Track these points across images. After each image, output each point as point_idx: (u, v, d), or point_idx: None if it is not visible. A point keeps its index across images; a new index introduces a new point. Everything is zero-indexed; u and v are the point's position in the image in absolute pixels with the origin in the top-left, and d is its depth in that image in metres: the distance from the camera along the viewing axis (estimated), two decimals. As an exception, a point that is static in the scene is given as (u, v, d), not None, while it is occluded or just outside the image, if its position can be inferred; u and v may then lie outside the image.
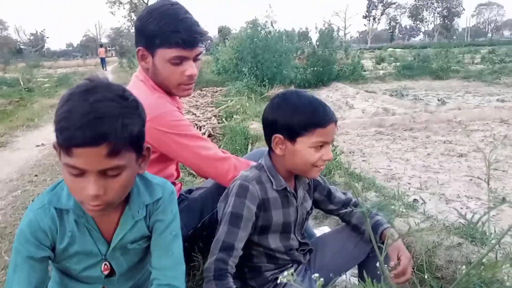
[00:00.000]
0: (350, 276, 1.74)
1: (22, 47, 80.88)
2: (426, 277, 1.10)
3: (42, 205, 1.02)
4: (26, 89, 11.61)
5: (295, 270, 1.46)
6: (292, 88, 10.57)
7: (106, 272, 1.13)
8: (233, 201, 1.31)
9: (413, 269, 1.82)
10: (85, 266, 1.11)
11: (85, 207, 0.96)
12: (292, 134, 1.29)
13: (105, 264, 1.12)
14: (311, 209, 1.54)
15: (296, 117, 1.28)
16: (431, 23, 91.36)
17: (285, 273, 0.64)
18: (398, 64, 15.45)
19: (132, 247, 1.13)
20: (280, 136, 1.31)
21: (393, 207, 0.99)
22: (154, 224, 1.13)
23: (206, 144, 1.57)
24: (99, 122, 0.84)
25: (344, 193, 1.59)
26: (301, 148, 1.29)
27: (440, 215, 2.56)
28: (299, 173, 1.38)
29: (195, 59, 1.56)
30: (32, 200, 3.13)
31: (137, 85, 1.58)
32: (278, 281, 0.66)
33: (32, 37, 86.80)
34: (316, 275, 0.65)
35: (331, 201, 1.55)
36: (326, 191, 1.55)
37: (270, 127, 1.35)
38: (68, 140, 0.85)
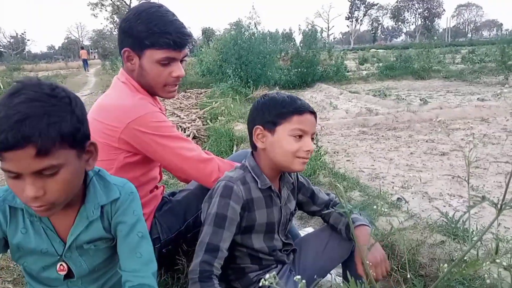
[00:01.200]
0: (335, 276, 1.75)
1: (2, 50, 79.33)
2: (409, 276, 1.11)
3: None
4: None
5: (279, 271, 1.46)
6: (276, 89, 10.63)
7: (62, 273, 1.11)
8: (218, 201, 1.30)
9: (397, 267, 1.84)
10: (42, 265, 1.10)
11: (32, 209, 0.96)
12: (271, 124, 1.32)
13: (61, 264, 1.10)
14: (295, 209, 1.55)
15: (274, 107, 1.33)
16: (412, 24, 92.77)
17: (267, 275, 0.64)
18: (380, 64, 15.63)
19: (88, 247, 1.11)
20: (260, 127, 1.34)
21: (375, 206, 0.99)
22: (117, 227, 1.11)
23: (189, 145, 1.56)
24: (21, 124, 0.83)
25: (328, 194, 1.61)
26: (281, 137, 1.31)
27: (423, 213, 2.59)
28: (283, 166, 1.37)
29: (181, 61, 1.58)
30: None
31: (118, 87, 1.57)
32: (260, 284, 0.66)
33: (12, 40, 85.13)
34: (298, 277, 0.65)
35: (314, 202, 1.56)
36: (309, 193, 1.55)
37: (252, 124, 1.38)
38: None
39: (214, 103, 7.17)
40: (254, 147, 1.41)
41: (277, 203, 1.42)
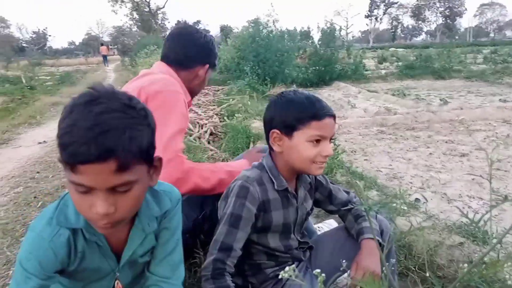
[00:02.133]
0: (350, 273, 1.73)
1: (24, 45, 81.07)
2: (428, 275, 1.09)
3: (57, 231, 0.94)
4: (28, 87, 11.61)
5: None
6: (294, 87, 10.57)
7: None
8: (233, 201, 1.30)
9: (415, 268, 1.82)
10: (91, 280, 1.07)
11: (95, 225, 0.90)
12: (288, 128, 1.29)
13: (117, 282, 1.08)
14: (311, 209, 1.53)
15: (292, 111, 1.28)
16: (433, 23, 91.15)
17: (287, 268, 0.64)
18: (400, 63, 15.41)
19: (143, 261, 1.10)
20: (277, 131, 1.31)
21: (394, 205, 0.98)
22: (160, 232, 1.09)
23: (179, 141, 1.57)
24: (105, 136, 0.78)
25: (347, 192, 1.58)
26: (298, 142, 1.28)
27: (442, 214, 2.56)
28: (300, 170, 1.36)
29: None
30: (34, 197, 3.15)
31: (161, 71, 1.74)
32: (280, 277, 0.66)
33: (34, 35, 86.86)
34: (318, 270, 0.65)
35: (331, 202, 1.55)
36: (327, 192, 1.54)
37: (268, 125, 1.35)
38: (72, 157, 0.78)
39: (231, 100, 7.19)
40: (270, 147, 1.39)
41: (293, 204, 1.41)
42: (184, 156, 1.55)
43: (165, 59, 1.81)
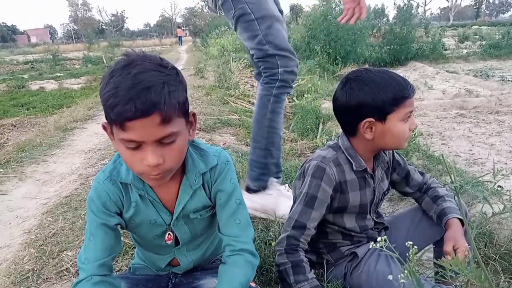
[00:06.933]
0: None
1: (104, 27, 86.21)
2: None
3: (108, 177, 1.06)
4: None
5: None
6: (366, 66, 10.22)
7: (169, 242, 1.17)
8: (309, 181, 1.31)
9: (495, 257, 1.73)
10: (153, 235, 1.16)
11: (146, 178, 0.98)
12: (382, 113, 1.23)
13: (169, 233, 1.16)
14: (388, 189, 1.50)
15: (385, 94, 1.22)
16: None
17: (378, 238, 0.65)
18: (484, 42, 14.31)
19: (194, 217, 1.16)
20: (371, 119, 1.25)
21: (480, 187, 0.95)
22: (216, 195, 1.14)
23: None
24: (147, 92, 0.84)
25: (422, 174, 1.54)
26: (392, 124, 1.24)
27: (528, 204, 2.39)
28: (390, 149, 1.36)
29: None
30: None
31: None
32: (370, 246, 0.67)
33: (113, 18, 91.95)
34: (410, 242, 0.65)
35: (407, 184, 1.51)
36: (405, 173, 1.50)
37: (354, 113, 1.27)
38: (120, 115, 0.85)
39: (300, 80, 7.14)
40: (350, 132, 1.33)
41: (370, 184, 1.38)
42: None
43: None
